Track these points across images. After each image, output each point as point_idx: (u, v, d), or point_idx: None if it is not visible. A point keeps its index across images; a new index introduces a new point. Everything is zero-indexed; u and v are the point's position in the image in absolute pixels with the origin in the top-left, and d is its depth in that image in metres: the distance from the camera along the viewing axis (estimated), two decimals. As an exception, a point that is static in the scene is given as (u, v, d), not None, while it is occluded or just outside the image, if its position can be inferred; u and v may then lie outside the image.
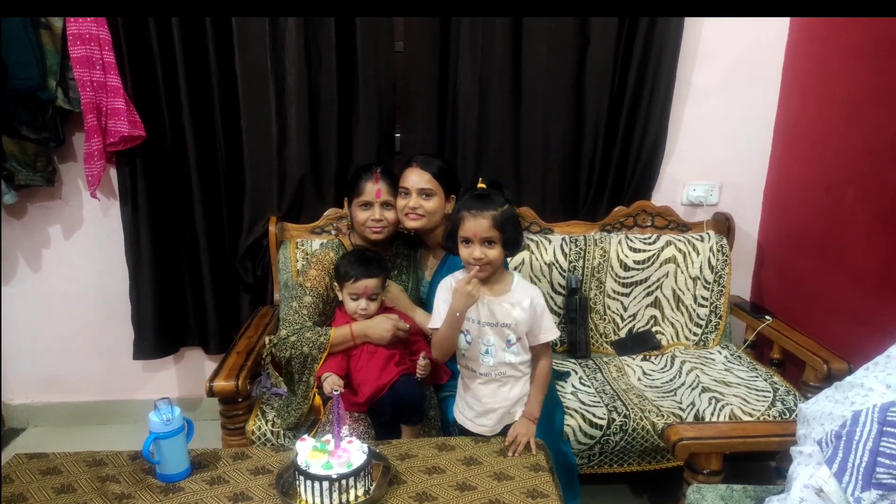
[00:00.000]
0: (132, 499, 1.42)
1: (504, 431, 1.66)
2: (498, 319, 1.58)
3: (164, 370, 2.76)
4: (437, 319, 1.63)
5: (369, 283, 1.81)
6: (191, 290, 2.56)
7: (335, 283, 1.88)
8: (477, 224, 1.53)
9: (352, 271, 1.82)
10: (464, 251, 1.57)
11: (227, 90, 2.39)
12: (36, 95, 2.18)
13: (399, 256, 2.09)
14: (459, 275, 1.64)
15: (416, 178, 1.92)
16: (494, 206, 1.54)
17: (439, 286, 1.67)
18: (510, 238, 1.55)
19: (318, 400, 1.82)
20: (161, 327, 2.54)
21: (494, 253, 1.54)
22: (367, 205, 1.93)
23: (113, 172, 2.44)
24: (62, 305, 2.64)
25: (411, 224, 1.93)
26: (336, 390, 1.59)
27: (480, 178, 1.63)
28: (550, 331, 1.65)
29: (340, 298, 1.88)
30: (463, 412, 1.70)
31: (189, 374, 2.78)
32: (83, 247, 2.58)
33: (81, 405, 2.77)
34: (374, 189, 1.91)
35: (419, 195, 1.91)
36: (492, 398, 1.63)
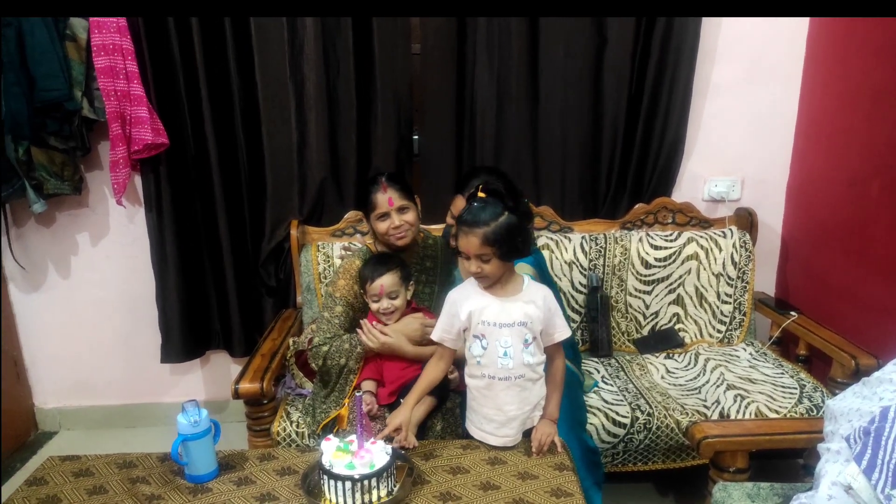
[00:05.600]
0: (162, 499, 1.45)
1: (524, 436, 1.66)
2: (514, 319, 1.58)
3: (191, 373, 2.81)
4: (438, 330, 1.66)
5: (384, 282, 1.84)
6: (215, 295, 2.60)
7: (362, 291, 1.91)
8: (468, 242, 1.53)
9: (367, 274, 1.87)
10: (464, 263, 1.59)
11: (248, 97, 2.42)
12: (63, 106, 2.23)
13: (427, 259, 2.09)
14: (468, 286, 1.64)
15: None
16: (487, 220, 1.51)
17: (447, 297, 1.67)
18: (506, 251, 1.53)
19: (345, 410, 1.84)
20: (187, 331, 2.58)
21: (489, 268, 1.54)
22: (384, 215, 1.93)
23: (138, 180, 2.49)
24: (91, 311, 2.69)
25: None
26: (359, 392, 1.61)
27: (480, 186, 1.61)
28: (564, 330, 1.65)
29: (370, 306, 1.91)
30: (481, 426, 1.66)
31: (215, 377, 2.82)
32: (110, 253, 2.63)
33: (111, 408, 2.83)
34: (385, 199, 1.91)
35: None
36: (514, 405, 1.61)
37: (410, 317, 1.89)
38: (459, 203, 1.89)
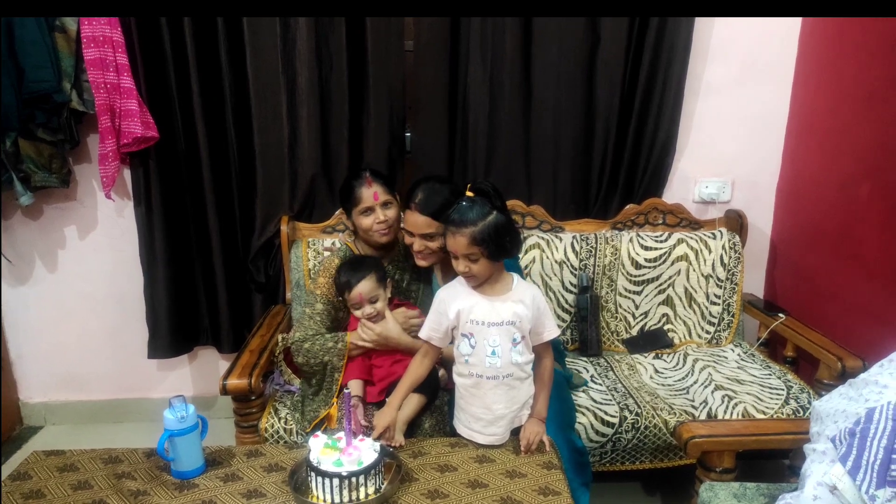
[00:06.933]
0: (147, 495, 1.44)
1: (512, 434, 1.66)
2: (503, 318, 1.58)
3: (179, 369, 2.79)
4: (426, 329, 1.66)
5: (362, 289, 1.82)
6: (204, 290, 2.58)
7: (340, 299, 1.90)
8: (456, 242, 1.53)
9: (343, 283, 1.85)
10: (453, 262, 1.60)
11: (239, 91, 2.41)
12: (51, 98, 2.21)
13: (409, 257, 2.09)
14: (458, 284, 1.64)
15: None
16: (474, 220, 1.52)
17: (436, 296, 1.67)
18: (494, 250, 1.53)
19: (334, 410, 1.83)
20: (175, 327, 2.56)
21: (477, 267, 1.54)
22: (369, 210, 1.92)
23: (127, 173, 2.47)
24: (78, 305, 2.67)
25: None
26: (346, 390, 1.61)
27: (469, 185, 1.60)
28: (552, 329, 1.66)
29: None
30: (469, 425, 1.66)
31: (203, 372, 2.81)
32: (98, 247, 2.61)
33: (98, 403, 2.81)
34: (370, 193, 1.91)
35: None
36: (502, 403, 1.62)
37: (395, 312, 1.89)
38: (410, 217, 1.84)
